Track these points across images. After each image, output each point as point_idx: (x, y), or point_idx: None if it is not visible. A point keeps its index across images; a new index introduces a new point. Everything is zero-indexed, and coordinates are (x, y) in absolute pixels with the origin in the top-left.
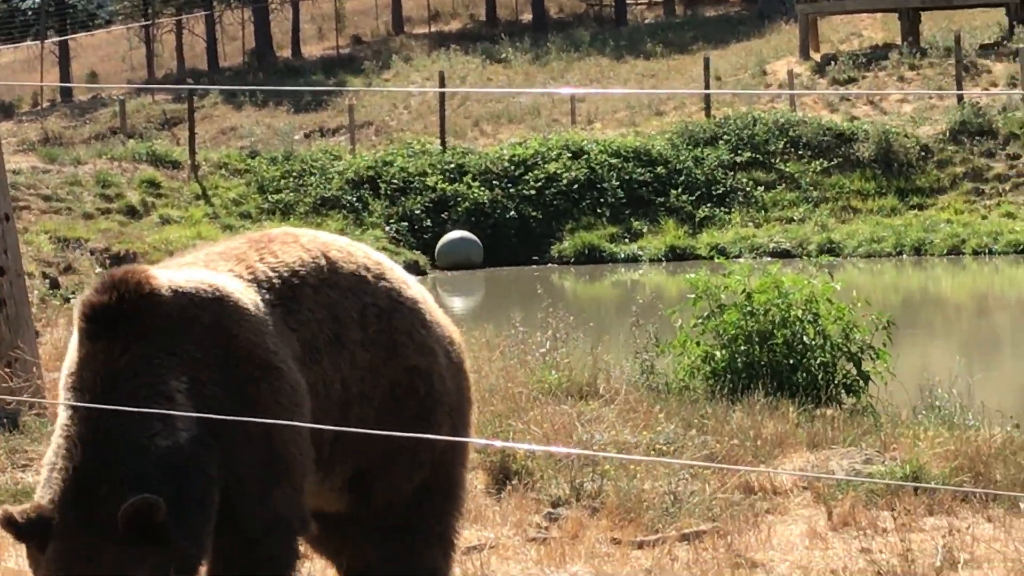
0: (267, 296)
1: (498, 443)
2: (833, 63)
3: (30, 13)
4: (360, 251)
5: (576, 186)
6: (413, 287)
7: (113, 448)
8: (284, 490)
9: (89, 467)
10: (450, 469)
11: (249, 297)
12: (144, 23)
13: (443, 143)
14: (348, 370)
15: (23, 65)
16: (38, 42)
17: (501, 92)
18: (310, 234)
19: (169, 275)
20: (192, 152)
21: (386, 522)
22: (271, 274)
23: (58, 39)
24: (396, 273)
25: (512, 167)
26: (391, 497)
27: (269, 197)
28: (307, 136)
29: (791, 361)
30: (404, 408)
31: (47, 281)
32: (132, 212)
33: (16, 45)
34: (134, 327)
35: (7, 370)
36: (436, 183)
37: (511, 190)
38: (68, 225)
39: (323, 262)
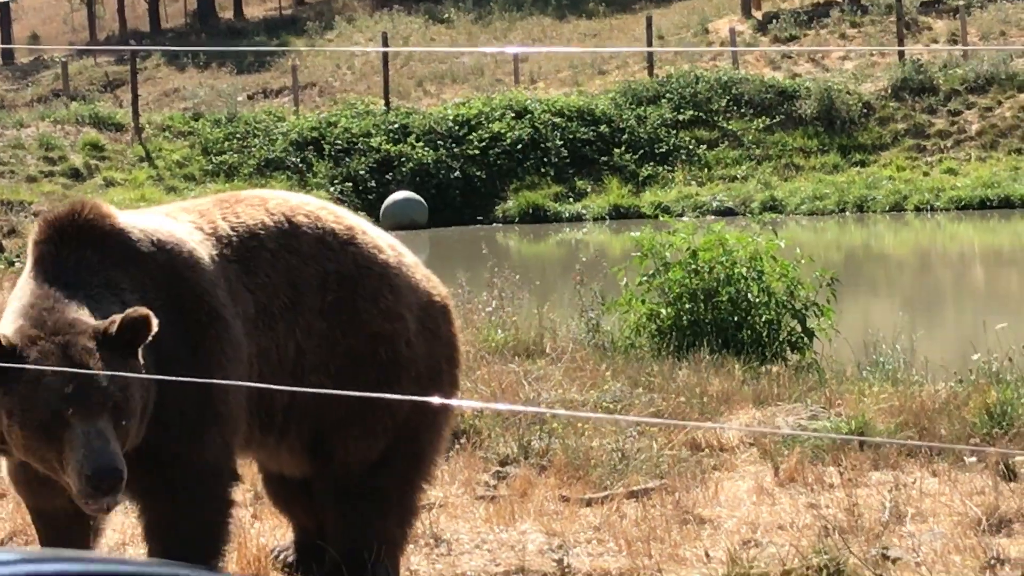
0: (225, 252)
1: (456, 402)
2: (775, 21)
3: None
4: (332, 215)
5: (520, 146)
6: (387, 252)
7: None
8: (214, 437)
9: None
10: (415, 436)
11: (205, 249)
12: None
13: (387, 103)
14: (303, 337)
15: None
16: None
17: (444, 52)
18: (280, 197)
19: (130, 215)
20: (135, 114)
21: (344, 487)
22: (231, 232)
23: None
24: (368, 237)
25: (456, 127)
26: (350, 462)
27: (213, 159)
28: (250, 98)
29: (736, 318)
30: (363, 374)
31: None
32: (76, 175)
33: None
34: (94, 240)
35: None
36: (380, 144)
37: (455, 150)
38: (11, 188)
39: (286, 226)
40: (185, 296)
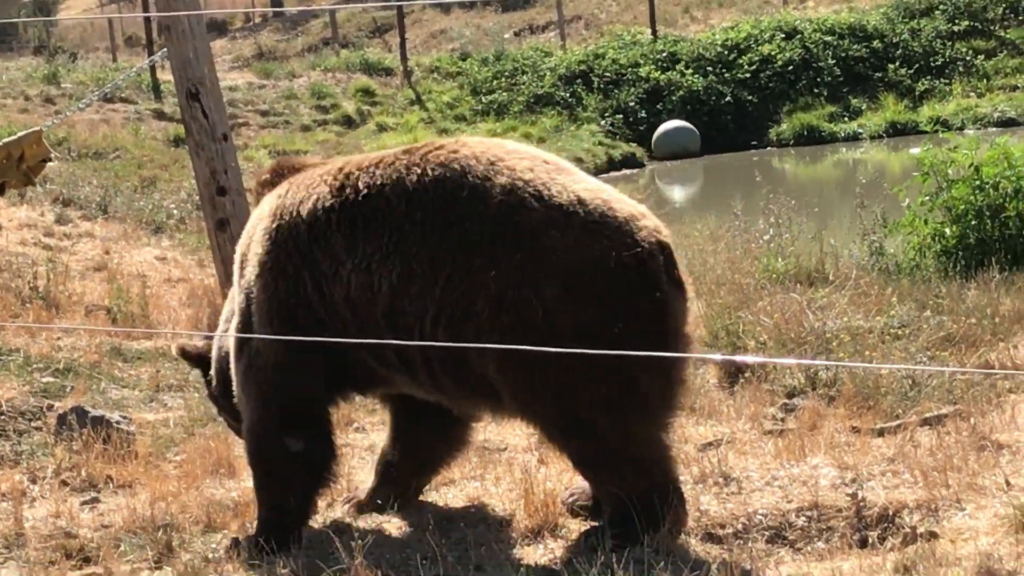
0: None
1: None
2: None
3: None
4: (493, 170)
5: (791, 67)
6: (538, 210)
7: None
8: None
9: None
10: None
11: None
12: None
13: (654, 32)
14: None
15: None
16: None
17: None
18: (461, 145)
19: None
20: (403, 58)
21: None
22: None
23: None
24: (521, 193)
25: (725, 52)
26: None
27: (482, 98)
28: (517, 35)
29: None
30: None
31: None
32: (348, 122)
33: None
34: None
35: None
36: (649, 73)
37: (725, 75)
38: (287, 139)
39: (421, 180)
40: None
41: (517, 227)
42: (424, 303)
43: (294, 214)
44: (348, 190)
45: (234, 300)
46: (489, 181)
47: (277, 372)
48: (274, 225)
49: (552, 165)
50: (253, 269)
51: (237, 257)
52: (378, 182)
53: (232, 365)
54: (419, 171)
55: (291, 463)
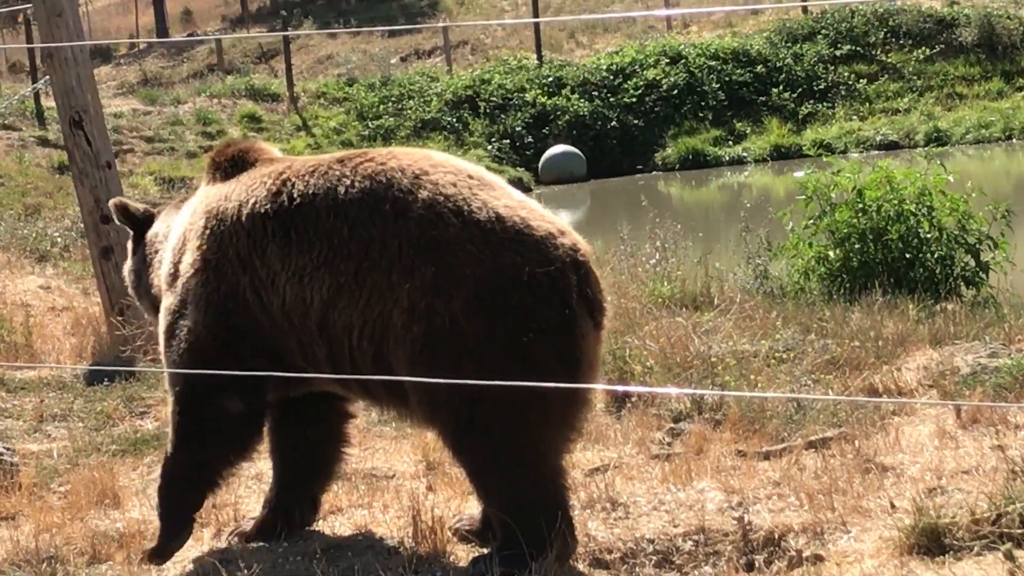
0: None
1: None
2: None
3: None
4: (420, 180)
5: (676, 91)
6: (455, 220)
7: None
8: None
9: None
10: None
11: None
12: None
13: (539, 57)
14: (330, 296)
15: (118, 8)
16: None
17: (595, 19)
18: (390, 156)
19: None
20: (290, 84)
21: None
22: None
23: None
24: (446, 204)
25: (611, 77)
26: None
27: (369, 124)
28: (403, 60)
29: (907, 257)
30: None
31: None
32: None
33: None
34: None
35: (119, 318)
36: (535, 98)
37: (611, 100)
38: (172, 165)
39: (348, 188)
40: None
41: (433, 242)
42: (351, 317)
43: (235, 217)
44: (284, 197)
45: (164, 248)
46: (412, 195)
47: (209, 351)
48: (218, 225)
49: (476, 180)
50: (192, 260)
51: (178, 228)
52: (311, 191)
53: (162, 325)
54: (348, 182)
55: (224, 424)
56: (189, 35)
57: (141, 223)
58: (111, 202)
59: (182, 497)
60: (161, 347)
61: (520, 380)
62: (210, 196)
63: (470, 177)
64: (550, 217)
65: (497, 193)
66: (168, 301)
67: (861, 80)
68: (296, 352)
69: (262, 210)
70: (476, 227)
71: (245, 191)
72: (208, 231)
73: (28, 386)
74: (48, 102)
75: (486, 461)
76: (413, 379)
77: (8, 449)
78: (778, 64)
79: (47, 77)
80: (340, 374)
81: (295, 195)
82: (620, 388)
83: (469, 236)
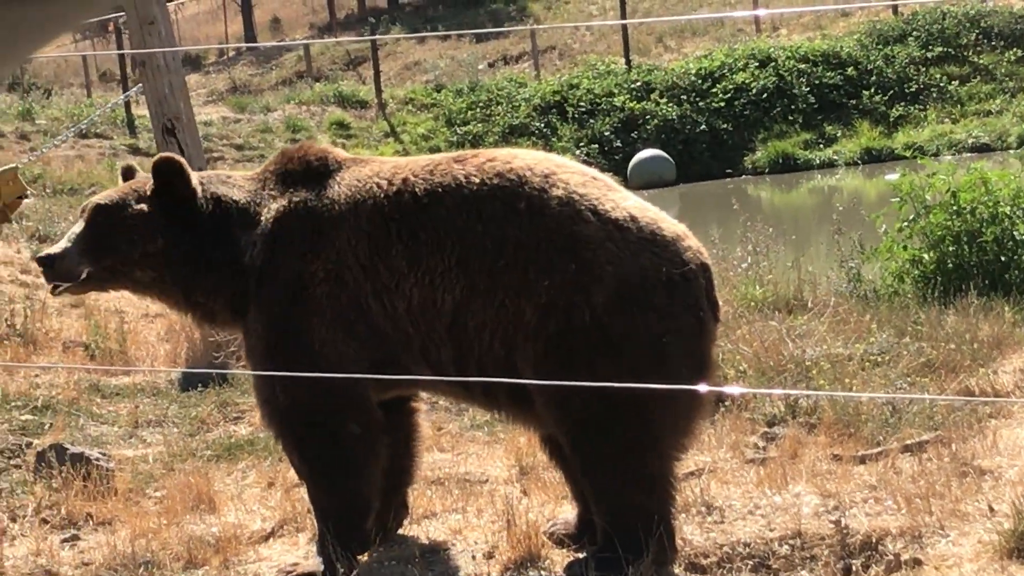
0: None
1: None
2: None
3: None
4: (552, 180)
5: (765, 95)
6: (594, 219)
7: None
8: None
9: None
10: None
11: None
12: None
13: (628, 62)
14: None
15: (207, 16)
16: None
17: (682, 20)
18: (515, 156)
19: None
20: (378, 91)
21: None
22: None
23: None
24: (580, 203)
25: (699, 81)
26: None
27: (457, 130)
28: (491, 65)
29: (1002, 259)
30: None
31: None
32: None
33: None
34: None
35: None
36: (623, 103)
37: (700, 104)
38: None
39: (475, 187)
40: None
41: (573, 239)
42: (484, 317)
43: (351, 222)
44: (407, 197)
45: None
46: (546, 193)
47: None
48: (332, 231)
49: (601, 182)
50: (304, 272)
51: (265, 239)
52: (439, 190)
53: (259, 351)
54: (478, 181)
55: (350, 448)
56: (277, 44)
57: (188, 197)
58: (160, 155)
59: (351, 532)
60: (257, 370)
61: (652, 382)
62: (307, 202)
63: (595, 179)
64: (672, 220)
65: (623, 195)
66: (270, 321)
67: (953, 82)
68: (418, 356)
69: (383, 212)
70: (614, 225)
71: (354, 193)
72: (321, 238)
73: (123, 392)
74: (139, 110)
75: (606, 460)
76: (534, 382)
77: (104, 455)
78: (869, 66)
79: (139, 85)
80: (465, 376)
81: (420, 195)
82: (728, 390)
83: (607, 234)
